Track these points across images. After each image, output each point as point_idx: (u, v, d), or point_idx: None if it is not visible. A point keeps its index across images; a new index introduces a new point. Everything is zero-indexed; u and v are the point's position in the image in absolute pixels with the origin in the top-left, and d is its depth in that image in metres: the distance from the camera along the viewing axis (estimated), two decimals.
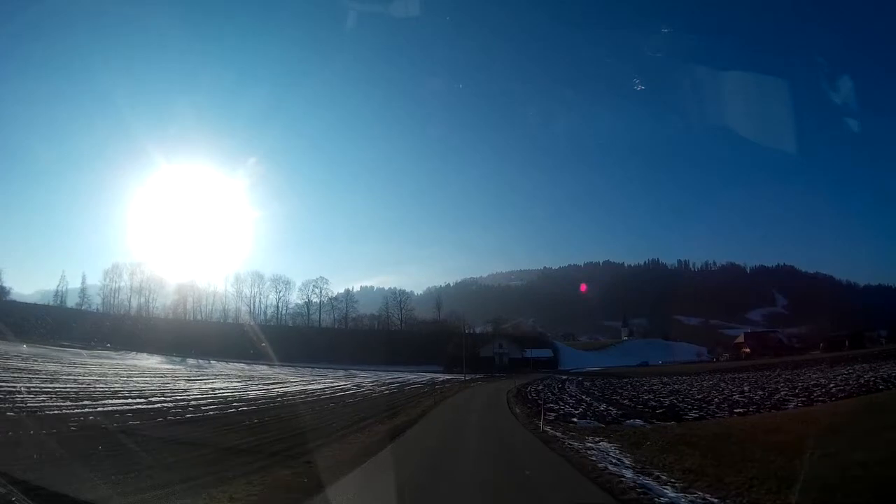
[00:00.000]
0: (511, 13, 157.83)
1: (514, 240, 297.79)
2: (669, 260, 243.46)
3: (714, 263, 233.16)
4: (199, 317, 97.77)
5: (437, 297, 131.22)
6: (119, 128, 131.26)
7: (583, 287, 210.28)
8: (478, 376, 64.62)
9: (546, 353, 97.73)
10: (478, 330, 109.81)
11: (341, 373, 60.40)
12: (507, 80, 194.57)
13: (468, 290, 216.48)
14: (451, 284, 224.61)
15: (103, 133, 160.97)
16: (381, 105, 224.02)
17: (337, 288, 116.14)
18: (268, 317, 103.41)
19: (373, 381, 44.72)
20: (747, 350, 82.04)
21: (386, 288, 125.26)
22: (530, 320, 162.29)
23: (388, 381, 45.92)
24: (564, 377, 62.55)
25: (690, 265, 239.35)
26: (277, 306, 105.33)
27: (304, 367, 64.00)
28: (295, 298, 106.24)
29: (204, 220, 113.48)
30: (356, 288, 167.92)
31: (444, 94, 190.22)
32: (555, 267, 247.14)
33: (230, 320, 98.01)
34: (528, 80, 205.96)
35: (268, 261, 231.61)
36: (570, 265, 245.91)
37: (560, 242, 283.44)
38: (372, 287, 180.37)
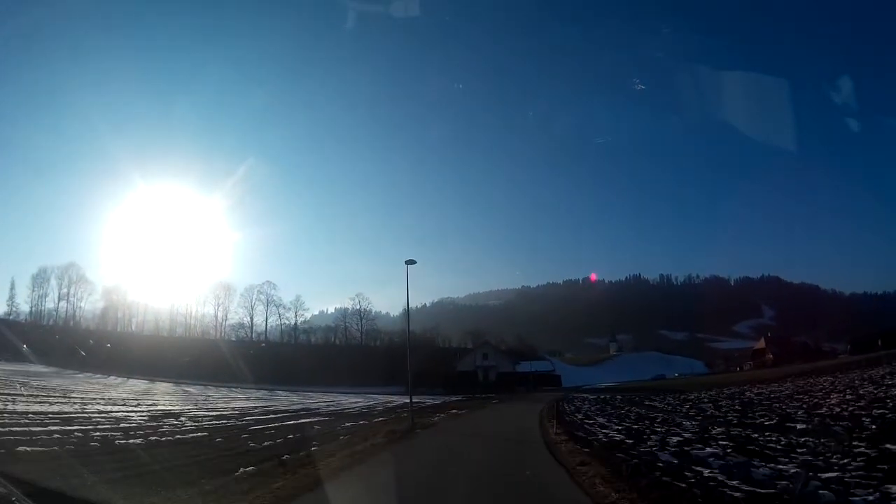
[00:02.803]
0: (510, 14, 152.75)
1: (492, 259, 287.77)
2: (651, 275, 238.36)
3: (697, 277, 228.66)
4: (131, 328, 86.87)
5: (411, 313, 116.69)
6: (80, 129, 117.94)
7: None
8: (453, 399, 45.66)
9: (545, 366, 79.05)
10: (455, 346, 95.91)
11: (256, 394, 44.17)
12: (503, 82, 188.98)
13: (445, 310, 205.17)
14: (428, 304, 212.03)
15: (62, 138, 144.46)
16: (374, 111, 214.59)
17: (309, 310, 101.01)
18: (205, 327, 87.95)
19: (233, 408, 27.76)
20: (771, 357, 71.44)
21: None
22: (511, 337, 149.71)
23: (281, 409, 29.02)
24: (591, 396, 42.69)
25: (673, 279, 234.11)
26: (216, 316, 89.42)
27: (223, 386, 48.92)
28: (235, 307, 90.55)
29: (153, 230, 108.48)
30: (330, 309, 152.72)
31: (441, 94, 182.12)
32: (533, 286, 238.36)
33: (164, 333, 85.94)
34: (524, 82, 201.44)
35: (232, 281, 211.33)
36: (548, 283, 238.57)
37: (539, 261, 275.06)
38: (347, 309, 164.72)
